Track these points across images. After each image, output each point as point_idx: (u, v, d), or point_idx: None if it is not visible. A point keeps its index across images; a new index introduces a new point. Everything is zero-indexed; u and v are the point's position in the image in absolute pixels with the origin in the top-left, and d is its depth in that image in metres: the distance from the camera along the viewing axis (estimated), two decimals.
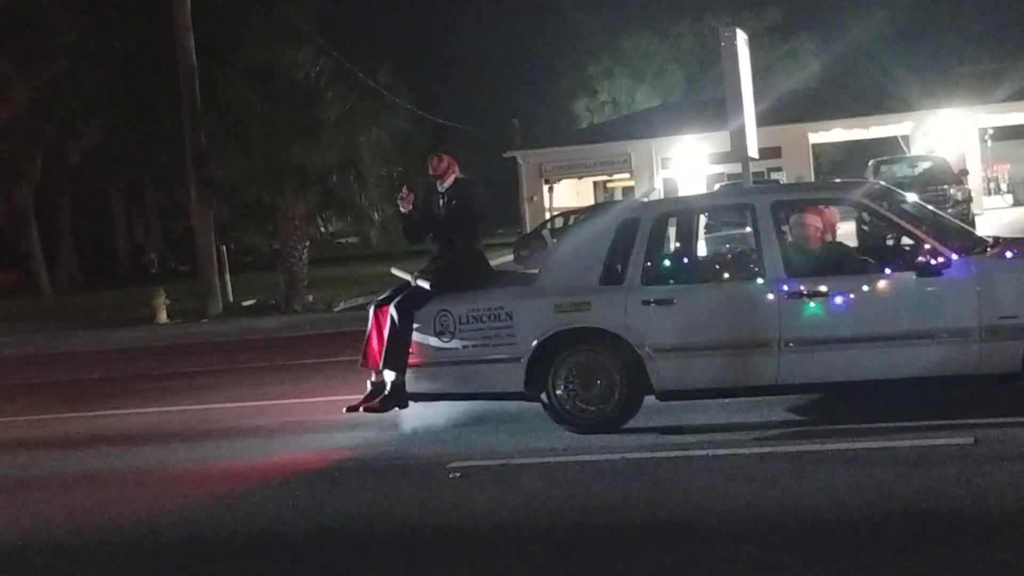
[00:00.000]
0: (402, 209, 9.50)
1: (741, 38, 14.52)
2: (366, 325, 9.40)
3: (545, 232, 36.66)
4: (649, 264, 8.66)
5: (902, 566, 5.27)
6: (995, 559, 5.23)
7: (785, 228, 8.64)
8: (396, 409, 9.12)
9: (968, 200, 29.50)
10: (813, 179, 38.90)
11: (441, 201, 9.43)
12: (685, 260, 9.29)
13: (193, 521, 7.28)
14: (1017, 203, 43.16)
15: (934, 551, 5.41)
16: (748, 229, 9.35)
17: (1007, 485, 6.27)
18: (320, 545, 6.53)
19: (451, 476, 7.73)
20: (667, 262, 9.10)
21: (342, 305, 25.83)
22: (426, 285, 9.03)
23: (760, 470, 7.14)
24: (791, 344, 8.06)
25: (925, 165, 31.51)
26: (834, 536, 5.73)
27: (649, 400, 8.58)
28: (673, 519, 6.35)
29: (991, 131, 44.56)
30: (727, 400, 8.82)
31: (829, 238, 8.89)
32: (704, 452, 7.71)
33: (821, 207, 8.79)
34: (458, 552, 6.19)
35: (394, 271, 9.74)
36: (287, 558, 6.37)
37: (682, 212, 9.73)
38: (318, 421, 10.30)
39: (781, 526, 5.97)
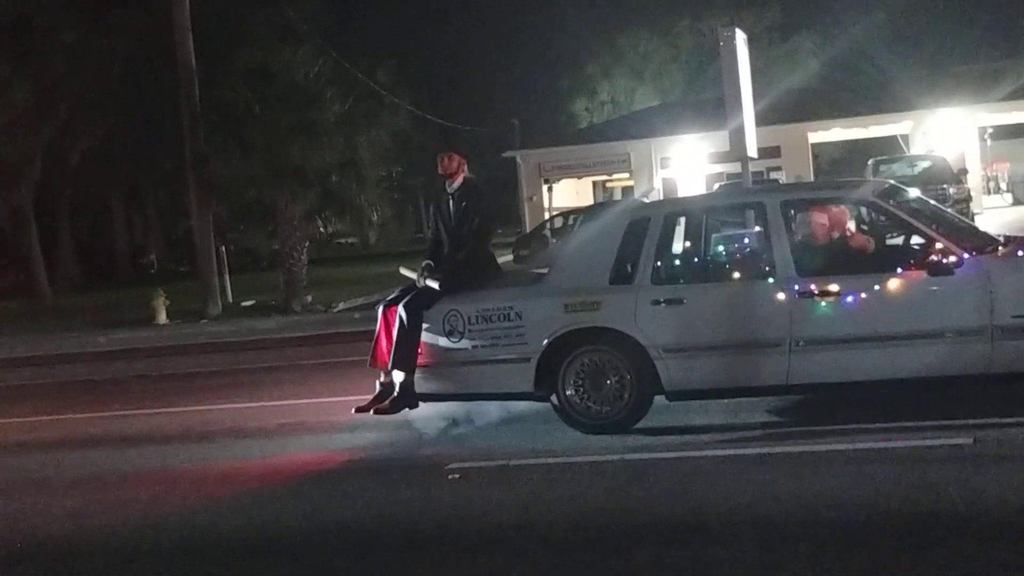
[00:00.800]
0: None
1: (740, 38, 14.53)
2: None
3: (546, 232, 36.64)
4: (659, 263, 8.64)
5: (902, 566, 5.27)
6: (995, 559, 5.23)
7: (794, 227, 8.62)
8: (406, 410, 9.07)
9: (967, 199, 29.52)
10: (812, 179, 38.91)
11: (450, 201, 9.41)
12: (695, 259, 9.26)
13: (193, 522, 7.28)
14: (1017, 202, 43.17)
15: (934, 551, 5.40)
16: (756, 228, 9.33)
17: (1006, 485, 6.27)
18: (320, 546, 6.53)
19: (451, 477, 7.72)
20: (677, 261, 9.07)
21: (341, 305, 25.81)
22: (435, 285, 9.01)
23: (760, 470, 7.13)
24: (802, 343, 8.03)
25: (924, 164, 31.54)
26: (834, 536, 5.73)
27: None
28: (673, 519, 6.35)
29: (990, 130, 44.52)
30: (727, 400, 8.82)
31: (838, 236, 8.87)
32: (704, 452, 7.72)
33: (830, 205, 8.78)
34: (458, 552, 6.19)
35: (402, 271, 9.70)
36: (287, 558, 6.38)
37: (692, 211, 9.65)
38: (318, 422, 10.29)
39: (781, 526, 5.97)
